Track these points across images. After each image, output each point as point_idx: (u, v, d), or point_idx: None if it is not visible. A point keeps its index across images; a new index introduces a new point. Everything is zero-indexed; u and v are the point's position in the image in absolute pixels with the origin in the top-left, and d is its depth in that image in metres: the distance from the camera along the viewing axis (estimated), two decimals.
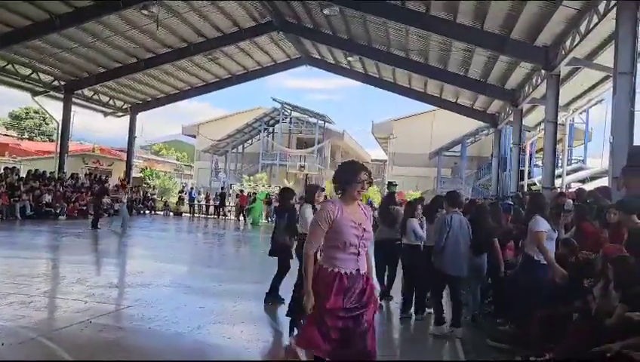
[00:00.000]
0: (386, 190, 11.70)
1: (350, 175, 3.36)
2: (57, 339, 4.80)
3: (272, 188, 29.50)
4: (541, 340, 4.80)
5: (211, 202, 27.96)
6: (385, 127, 36.22)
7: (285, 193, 7.31)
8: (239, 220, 25.02)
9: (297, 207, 7.25)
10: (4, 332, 4.83)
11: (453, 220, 5.96)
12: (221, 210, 26.86)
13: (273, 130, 38.60)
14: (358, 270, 3.26)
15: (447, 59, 17.95)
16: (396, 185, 10.87)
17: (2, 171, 19.72)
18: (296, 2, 18.01)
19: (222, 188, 28.36)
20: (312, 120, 37.23)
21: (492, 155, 24.83)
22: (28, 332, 4.95)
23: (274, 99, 35.54)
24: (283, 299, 6.52)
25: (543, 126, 17.41)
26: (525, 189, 17.53)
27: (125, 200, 17.26)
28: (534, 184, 18.89)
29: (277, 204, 7.83)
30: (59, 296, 6.85)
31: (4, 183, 18.13)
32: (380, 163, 51.27)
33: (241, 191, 27.60)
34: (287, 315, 5.70)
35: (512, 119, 19.69)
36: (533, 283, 5.32)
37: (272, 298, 6.80)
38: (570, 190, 14.35)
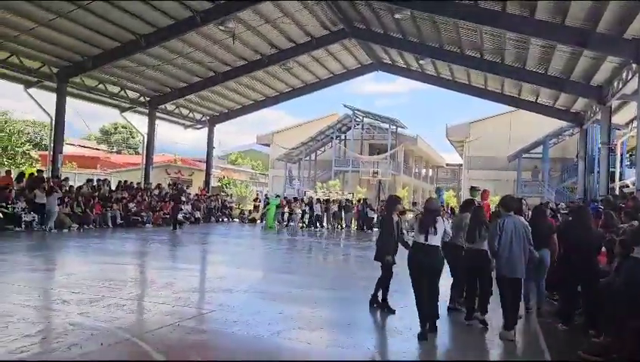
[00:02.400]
0: (469, 195, 11.35)
1: None
2: (149, 340, 5.09)
3: (345, 194, 29.60)
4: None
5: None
6: (460, 130, 35.30)
7: (389, 202, 7.48)
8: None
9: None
10: (102, 333, 5.20)
11: (506, 224, 6.00)
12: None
13: (345, 136, 38.79)
14: None
15: (524, 57, 17.22)
16: (479, 190, 10.52)
17: (95, 183, 21.28)
18: (365, 8, 18.06)
19: (265, 195, 28.86)
20: (384, 125, 37.05)
21: (577, 156, 23.44)
22: (123, 333, 5.28)
23: (345, 106, 35.74)
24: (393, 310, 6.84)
25: (635, 124, 16.24)
26: (617, 192, 16.34)
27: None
28: (627, 186, 17.56)
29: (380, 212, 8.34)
30: (148, 299, 7.25)
31: (97, 194, 19.53)
32: (455, 167, 50.09)
33: (285, 197, 28.36)
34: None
35: (599, 117, 18.48)
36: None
37: (379, 302, 7.04)
38: None
